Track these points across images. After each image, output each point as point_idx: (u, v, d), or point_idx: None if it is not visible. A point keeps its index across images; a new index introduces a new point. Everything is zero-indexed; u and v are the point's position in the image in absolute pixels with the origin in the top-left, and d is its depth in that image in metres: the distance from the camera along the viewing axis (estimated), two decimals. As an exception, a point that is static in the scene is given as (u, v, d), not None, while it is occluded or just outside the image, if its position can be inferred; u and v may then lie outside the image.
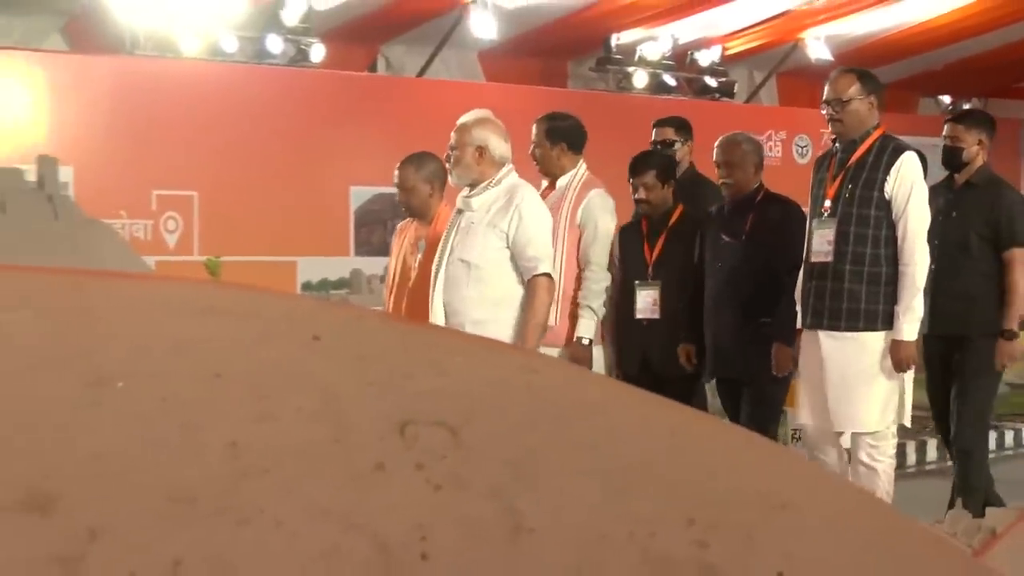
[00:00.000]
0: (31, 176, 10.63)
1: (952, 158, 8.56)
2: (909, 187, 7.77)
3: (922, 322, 7.94)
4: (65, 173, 11.08)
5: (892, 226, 7.78)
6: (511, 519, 1.33)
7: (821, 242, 7.85)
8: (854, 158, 7.88)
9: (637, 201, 9.14)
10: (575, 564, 1.32)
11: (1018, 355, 8.19)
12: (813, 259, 7.91)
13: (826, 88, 8.04)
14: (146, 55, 14.73)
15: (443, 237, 8.29)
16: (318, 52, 15.45)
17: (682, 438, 1.52)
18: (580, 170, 9.01)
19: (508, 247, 7.99)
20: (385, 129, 14.97)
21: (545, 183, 9.02)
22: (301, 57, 15.45)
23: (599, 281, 8.83)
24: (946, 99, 21.66)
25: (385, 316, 1.47)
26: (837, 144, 8.07)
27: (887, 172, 7.77)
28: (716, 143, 9.10)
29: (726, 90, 18.68)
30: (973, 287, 8.31)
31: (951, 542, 1.75)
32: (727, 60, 18.71)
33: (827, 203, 7.91)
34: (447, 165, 8.32)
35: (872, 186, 7.77)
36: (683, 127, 10.30)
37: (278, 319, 1.55)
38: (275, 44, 15.26)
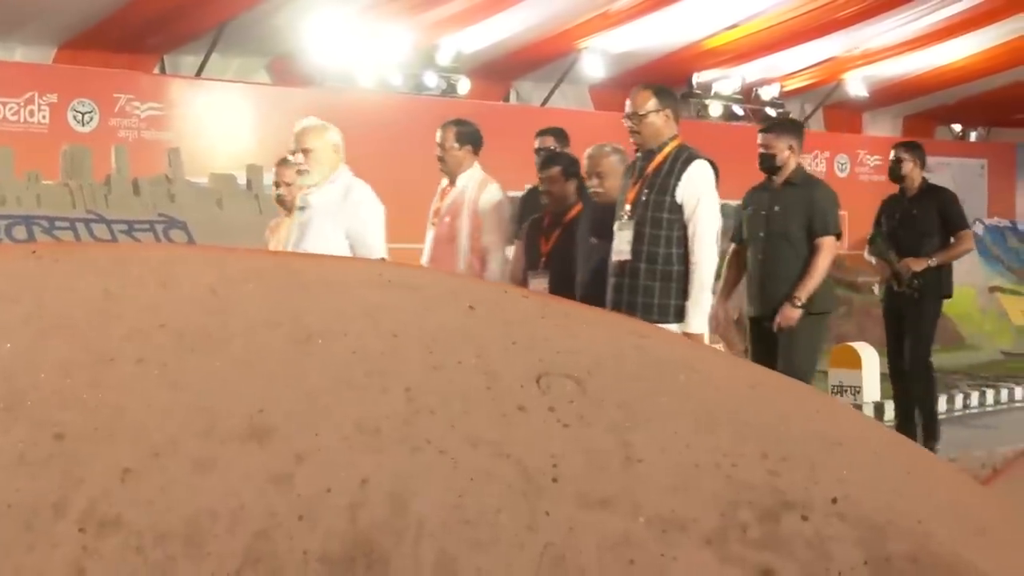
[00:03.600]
0: (242, 180, 10.73)
1: (767, 163, 7.64)
2: (699, 192, 7.00)
3: (751, 305, 7.52)
4: (268, 178, 11.13)
5: (683, 228, 7.01)
6: (624, 451, 1.31)
7: (621, 242, 7.10)
8: (652, 166, 7.04)
9: (542, 193, 8.16)
10: (673, 486, 1.30)
11: (794, 321, 7.56)
12: (615, 257, 7.17)
13: (627, 103, 7.19)
14: (332, 86, 14.80)
15: (284, 235, 7.40)
16: (464, 85, 15.45)
17: (759, 390, 1.50)
18: (477, 169, 8.21)
19: (345, 238, 7.03)
20: (515, 148, 14.97)
21: (445, 182, 8.28)
22: (451, 90, 15.45)
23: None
24: (957, 127, 21.30)
25: (526, 291, 1.46)
26: (638, 153, 7.15)
27: (679, 179, 6.97)
28: (585, 154, 7.94)
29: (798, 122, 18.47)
30: (794, 271, 7.69)
31: (967, 474, 1.71)
32: (784, 95, 18.52)
33: (627, 207, 7.09)
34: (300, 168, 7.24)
35: (665, 191, 6.99)
36: (561, 136, 9.41)
37: (441, 292, 1.54)
38: (431, 79, 15.28)
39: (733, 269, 7.75)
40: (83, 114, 13.10)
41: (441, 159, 8.16)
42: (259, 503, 1.18)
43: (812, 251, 7.46)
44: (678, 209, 6.95)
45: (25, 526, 1.11)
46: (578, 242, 7.82)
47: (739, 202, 8.01)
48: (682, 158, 6.99)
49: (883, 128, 20.69)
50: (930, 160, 19.52)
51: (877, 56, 17.87)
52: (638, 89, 7.23)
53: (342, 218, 6.99)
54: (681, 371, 1.45)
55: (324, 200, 7.03)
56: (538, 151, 9.23)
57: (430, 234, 8.09)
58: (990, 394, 11.39)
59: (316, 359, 1.37)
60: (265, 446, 1.24)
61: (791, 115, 18.67)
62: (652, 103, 7.00)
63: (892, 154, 9.35)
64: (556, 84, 16.84)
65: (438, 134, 8.19)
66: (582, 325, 1.49)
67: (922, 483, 1.47)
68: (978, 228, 16.54)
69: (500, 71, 16.54)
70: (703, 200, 7.00)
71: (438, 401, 1.33)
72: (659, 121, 7.02)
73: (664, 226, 6.98)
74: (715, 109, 17.91)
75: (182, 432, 1.24)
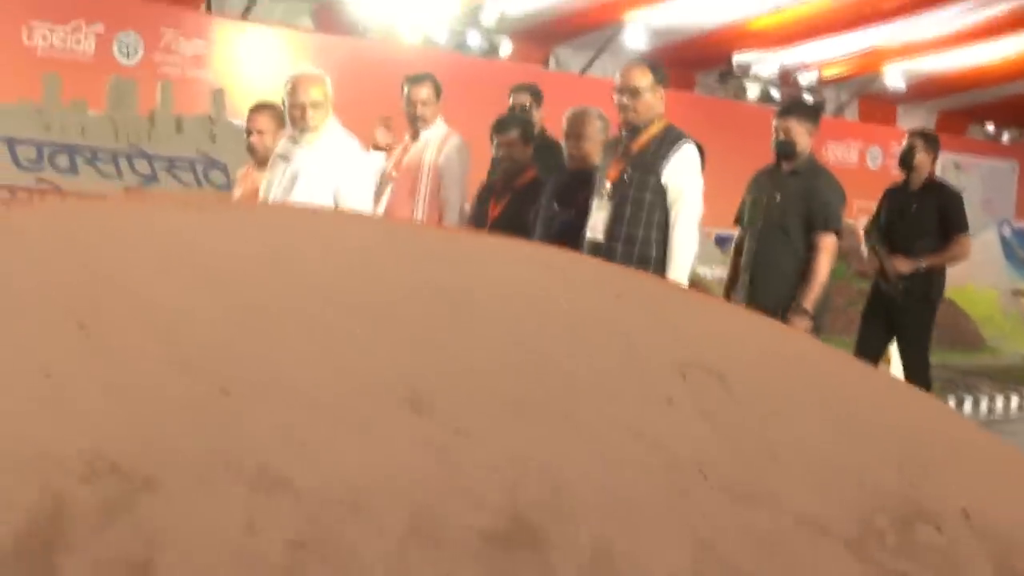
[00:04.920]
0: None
1: (786, 149, 7.35)
2: (686, 177, 6.62)
3: (739, 293, 7.13)
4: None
5: (665, 212, 6.62)
6: (767, 449, 1.33)
7: (597, 221, 6.72)
8: (637, 144, 6.65)
9: (500, 159, 7.71)
10: (814, 487, 1.32)
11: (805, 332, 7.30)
12: (590, 234, 6.74)
13: (618, 77, 6.75)
14: (375, 39, 14.78)
15: (263, 187, 7.00)
16: (506, 47, 15.44)
17: (891, 396, 1.52)
18: (441, 123, 7.87)
19: (332, 197, 6.71)
20: (555, 115, 14.95)
21: (382, 142, 8.06)
22: (492, 50, 15.44)
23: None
24: (991, 126, 21.25)
25: (670, 283, 1.48)
26: (624, 130, 6.71)
27: (666, 159, 6.56)
28: (566, 114, 7.50)
29: (818, 106, 18.44)
30: (787, 266, 7.21)
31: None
32: (822, 82, 18.48)
33: (608, 185, 6.67)
34: (303, 119, 6.77)
35: (651, 171, 6.60)
36: (537, 94, 8.94)
37: (587, 277, 1.55)
38: (474, 38, 15.27)
39: (738, 256, 7.38)
40: (128, 46, 13.10)
41: (420, 116, 7.82)
42: (421, 473, 1.20)
43: (812, 250, 7.03)
44: (662, 191, 6.57)
45: (198, 480, 1.13)
46: (541, 207, 7.42)
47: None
48: (670, 139, 6.64)
49: (917, 122, 20.65)
50: (961, 158, 19.51)
51: (917, 50, 17.81)
52: (634, 63, 6.90)
53: (333, 177, 6.67)
54: (817, 374, 1.46)
55: (315, 156, 6.69)
56: (511, 108, 9.05)
57: (389, 188, 7.94)
58: (1015, 399, 11.29)
59: (474, 334, 1.38)
60: (426, 417, 1.25)
61: (827, 103, 18.65)
62: (648, 80, 6.70)
63: (906, 141, 9.01)
64: (597, 53, 16.82)
65: (410, 89, 7.86)
66: (723, 319, 1.51)
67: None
68: (1005, 230, 16.47)
69: (542, 35, 16.52)
70: (689, 185, 6.55)
71: (592, 387, 1.35)
72: (653, 99, 6.77)
73: (646, 207, 6.61)
74: (752, 91, 17.88)
75: (344, 395, 1.26)
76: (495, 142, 7.68)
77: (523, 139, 7.65)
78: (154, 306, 1.33)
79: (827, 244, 7.08)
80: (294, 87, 6.79)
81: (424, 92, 7.83)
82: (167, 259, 1.42)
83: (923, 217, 8.74)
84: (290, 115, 6.82)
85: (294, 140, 6.80)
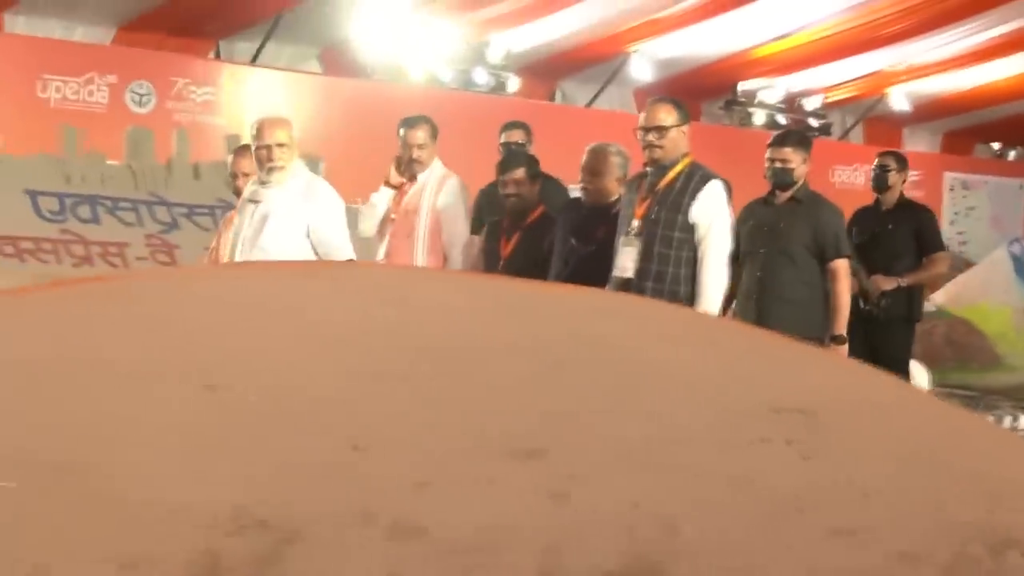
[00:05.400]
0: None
1: (784, 177, 7.33)
2: (713, 214, 6.85)
3: (743, 319, 7.07)
4: (321, 167, 11.27)
5: (693, 249, 6.84)
6: (858, 486, 1.40)
7: (626, 259, 6.88)
8: (664, 182, 6.86)
9: (507, 196, 7.85)
10: (904, 521, 1.39)
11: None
12: (617, 274, 6.90)
13: (643, 116, 7.02)
14: (382, 80, 14.92)
15: (233, 229, 7.17)
16: (514, 83, 15.60)
17: (974, 432, 1.59)
18: (438, 165, 8.15)
19: (308, 237, 6.92)
20: (564, 147, 15.06)
21: (395, 181, 8.13)
22: (499, 87, 15.58)
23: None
24: (996, 145, 21.35)
25: (753, 328, 1.53)
26: (649, 168, 7.00)
27: (693, 197, 6.81)
28: (587, 148, 7.73)
29: (824, 129, 18.56)
30: (795, 293, 7.21)
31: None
32: (827, 106, 18.63)
33: (635, 223, 6.89)
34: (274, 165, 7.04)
35: (678, 209, 6.81)
36: (528, 131, 9.27)
37: (679, 328, 1.63)
38: (480, 76, 15.41)
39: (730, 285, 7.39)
40: (141, 96, 13.26)
41: (415, 160, 7.99)
42: (542, 518, 1.28)
43: (830, 278, 7.22)
44: (690, 229, 6.83)
45: (338, 533, 1.21)
46: (556, 242, 7.54)
47: None
48: (697, 176, 6.88)
49: (922, 143, 20.77)
50: (968, 178, 19.63)
51: (921, 72, 17.99)
52: (658, 102, 7.20)
53: (304, 216, 6.94)
54: (902, 412, 1.54)
55: (284, 196, 6.95)
56: (505, 145, 9.10)
57: (388, 230, 7.98)
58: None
59: (577, 387, 1.46)
60: (539, 465, 1.33)
61: (833, 126, 18.76)
62: (673, 117, 6.93)
63: (876, 162, 9.06)
64: (603, 86, 16.98)
65: (406, 132, 8.02)
66: (809, 362, 1.59)
67: None
68: (1015, 248, 16.53)
69: (547, 70, 16.69)
70: (717, 222, 6.88)
71: (691, 432, 1.42)
72: (679, 137, 6.91)
73: (674, 245, 6.80)
74: (759, 118, 18.03)
75: (465, 449, 1.34)
76: (501, 180, 7.91)
77: (530, 176, 7.87)
78: (276, 368, 1.42)
79: (843, 269, 7.23)
80: (259, 129, 7.04)
81: (420, 135, 7.95)
82: (282, 323, 1.51)
83: (897, 237, 8.80)
84: (257, 156, 7.01)
85: (262, 182, 6.93)
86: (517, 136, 9.13)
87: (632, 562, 1.25)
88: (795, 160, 7.40)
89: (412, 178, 8.03)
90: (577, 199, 7.73)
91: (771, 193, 7.50)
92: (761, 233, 7.36)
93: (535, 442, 1.36)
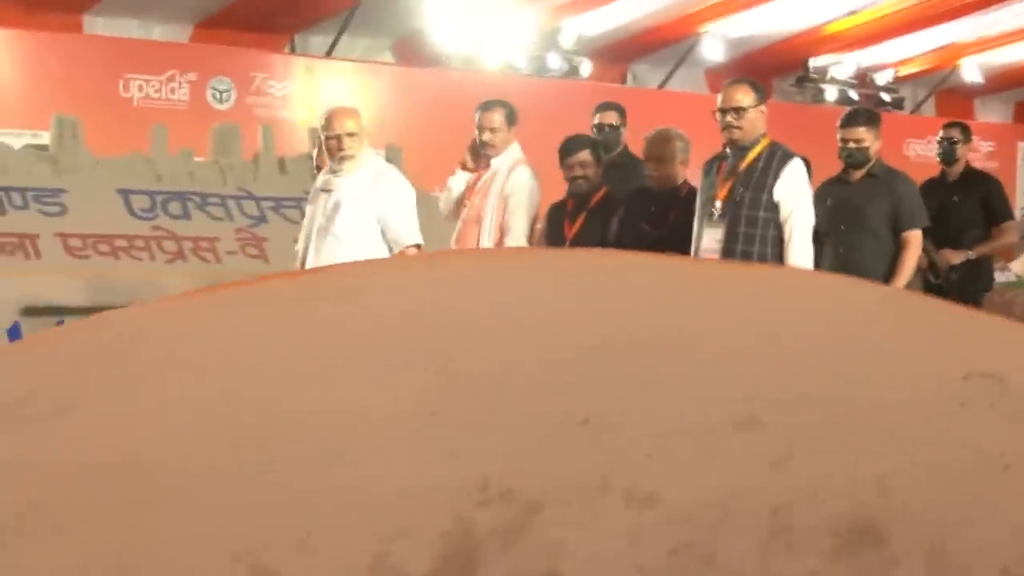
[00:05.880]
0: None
1: (859, 157, 7.39)
2: (797, 192, 6.87)
3: None
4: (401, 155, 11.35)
5: (779, 227, 6.86)
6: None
7: (711, 241, 6.92)
8: (744, 163, 6.90)
9: (573, 179, 7.89)
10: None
11: None
12: (704, 256, 6.87)
13: (720, 97, 7.03)
14: (456, 68, 15.00)
15: (307, 217, 7.36)
16: (586, 68, 15.64)
17: None
18: (514, 148, 8.10)
19: (377, 222, 7.02)
20: (632, 128, 15.06)
21: (470, 164, 8.12)
22: (572, 71, 15.63)
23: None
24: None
25: (935, 300, 1.57)
26: (727, 149, 7.02)
27: (776, 176, 6.82)
28: (646, 137, 7.78)
29: (897, 103, 18.48)
30: (878, 268, 7.35)
31: None
32: (898, 80, 18.54)
33: (717, 204, 6.92)
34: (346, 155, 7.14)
35: (762, 189, 6.84)
36: (623, 112, 9.27)
37: (866, 303, 1.69)
38: (554, 61, 15.47)
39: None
40: (221, 92, 13.42)
41: (487, 143, 7.94)
42: (766, 483, 1.34)
43: (902, 247, 7.25)
44: (774, 208, 6.79)
45: (577, 501, 1.28)
46: (623, 226, 7.55)
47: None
48: (778, 155, 6.85)
49: (994, 114, 20.60)
50: (1041, 143, 19.10)
51: (993, 43, 17.86)
52: (735, 83, 7.12)
53: (373, 204, 7.01)
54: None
55: (354, 184, 7.04)
56: (598, 127, 9.08)
57: (462, 214, 7.97)
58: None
59: (781, 357, 1.53)
60: (758, 435, 1.40)
61: (904, 100, 18.66)
62: (751, 98, 6.92)
63: (941, 134, 8.97)
64: (675, 67, 16.97)
65: (481, 115, 7.99)
66: (989, 328, 1.65)
67: None
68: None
69: (618, 53, 16.72)
70: (801, 200, 6.85)
71: (894, 397, 1.49)
72: (757, 117, 6.91)
73: (760, 225, 6.79)
74: (830, 94, 17.95)
75: (688, 421, 1.41)
76: (566, 163, 7.89)
77: (594, 158, 7.86)
78: (505, 351, 1.50)
79: (916, 240, 7.30)
80: (329, 120, 7.19)
81: (495, 118, 7.93)
82: (505, 309, 1.59)
83: (965, 209, 8.73)
84: (327, 146, 7.16)
85: (333, 171, 7.07)
86: (611, 118, 9.13)
87: (853, 523, 1.31)
88: (868, 138, 7.42)
89: (486, 164, 8.05)
90: (642, 187, 7.73)
91: (845, 171, 7.52)
92: (840, 211, 7.39)
93: (753, 413, 1.43)
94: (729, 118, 6.80)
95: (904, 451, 1.40)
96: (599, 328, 1.55)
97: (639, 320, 1.57)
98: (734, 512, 1.31)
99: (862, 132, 7.34)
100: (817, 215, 7.21)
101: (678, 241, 7.01)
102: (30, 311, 8.39)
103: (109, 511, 1.30)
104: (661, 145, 7.54)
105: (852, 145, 7.34)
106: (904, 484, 1.37)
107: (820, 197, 7.41)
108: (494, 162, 7.98)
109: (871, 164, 7.35)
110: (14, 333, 8.24)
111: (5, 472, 1.32)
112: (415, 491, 1.32)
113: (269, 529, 1.27)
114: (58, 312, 8.37)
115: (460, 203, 8.02)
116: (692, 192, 7.42)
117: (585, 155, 7.84)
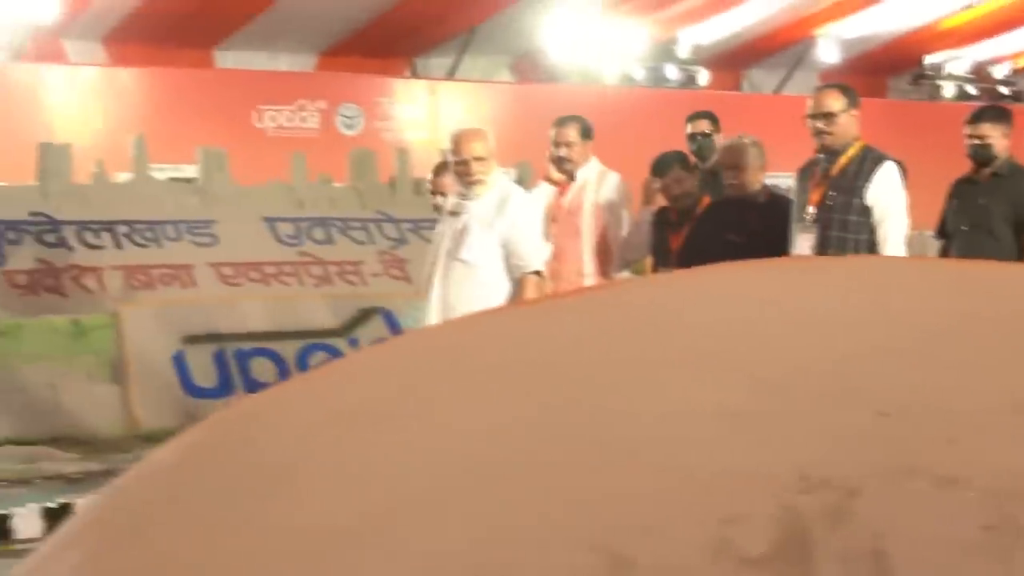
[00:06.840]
0: (512, 176, 11.12)
1: (984, 154, 7.26)
2: (890, 195, 6.80)
3: None
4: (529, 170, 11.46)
5: (872, 231, 6.80)
6: None
7: (804, 245, 6.89)
8: (837, 167, 6.86)
9: (675, 197, 7.91)
10: None
11: None
12: None
13: (811, 102, 6.99)
14: (574, 84, 15.13)
15: (435, 241, 7.32)
16: (704, 77, 15.70)
17: None
18: (595, 161, 8.09)
19: (502, 247, 6.94)
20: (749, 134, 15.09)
21: (556, 177, 8.14)
22: (689, 81, 15.70)
23: None
24: None
25: None
26: (821, 154, 6.97)
27: (868, 180, 6.78)
28: (721, 146, 7.85)
29: (1016, 96, 18.30)
30: None
31: None
32: (1017, 72, 18.36)
33: (810, 209, 6.91)
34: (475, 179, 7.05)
35: (854, 193, 6.80)
36: (715, 119, 9.15)
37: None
38: (671, 71, 15.55)
39: None
40: (350, 118, 13.69)
41: (564, 158, 7.97)
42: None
43: (1022, 250, 7.10)
44: (867, 212, 6.75)
45: (889, 486, 1.40)
46: (705, 237, 7.51)
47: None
48: (870, 158, 6.81)
49: (1114, 101, 20.25)
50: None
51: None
52: (825, 88, 7.18)
53: (498, 228, 6.94)
54: None
55: (481, 208, 6.97)
56: (691, 136, 9.06)
57: (552, 230, 7.90)
58: None
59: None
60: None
61: None
62: (841, 103, 6.87)
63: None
64: (790, 71, 16.96)
65: (556, 131, 8.01)
66: None
67: None
68: None
69: (733, 61, 16.76)
70: (894, 203, 6.81)
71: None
72: (849, 121, 6.86)
73: (852, 229, 6.75)
74: (948, 90, 17.81)
75: (979, 408, 1.52)
76: (662, 184, 7.97)
77: (686, 171, 7.92)
78: (799, 352, 1.62)
79: None
80: (457, 144, 7.11)
81: (571, 134, 7.98)
82: (796, 313, 1.71)
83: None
84: (456, 171, 7.09)
85: (463, 195, 7.04)
86: (703, 126, 9.08)
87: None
88: (993, 135, 7.27)
89: (571, 177, 8.10)
90: (723, 199, 7.74)
91: (975, 170, 7.45)
92: (963, 211, 7.36)
93: (1031, 398, 1.54)
94: (819, 124, 6.74)
95: None
96: (881, 328, 1.67)
97: (918, 319, 1.69)
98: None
99: (986, 128, 7.23)
100: (945, 214, 7.19)
101: (763, 248, 6.86)
102: (191, 339, 8.65)
103: (466, 506, 1.43)
104: (736, 154, 7.57)
105: (976, 142, 7.24)
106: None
107: (950, 196, 7.40)
108: (580, 174, 8.04)
109: (998, 162, 7.26)
110: (178, 362, 8.51)
111: (371, 470, 1.46)
112: (740, 481, 1.45)
113: (617, 518, 1.40)
114: (217, 339, 8.64)
115: (547, 219, 7.99)
116: (772, 198, 7.50)
117: (676, 172, 7.91)
